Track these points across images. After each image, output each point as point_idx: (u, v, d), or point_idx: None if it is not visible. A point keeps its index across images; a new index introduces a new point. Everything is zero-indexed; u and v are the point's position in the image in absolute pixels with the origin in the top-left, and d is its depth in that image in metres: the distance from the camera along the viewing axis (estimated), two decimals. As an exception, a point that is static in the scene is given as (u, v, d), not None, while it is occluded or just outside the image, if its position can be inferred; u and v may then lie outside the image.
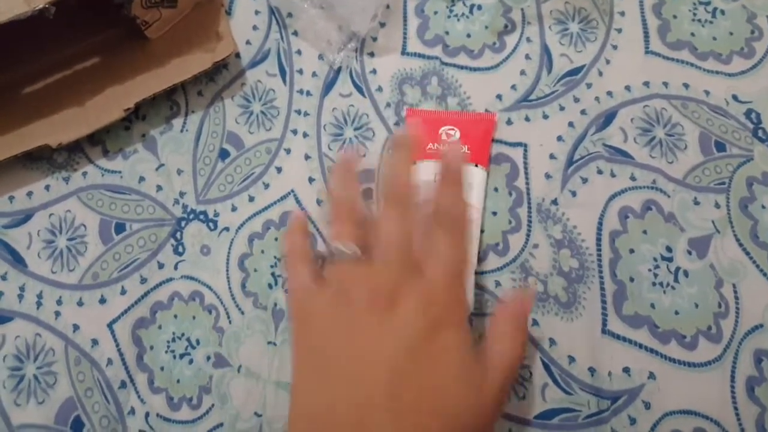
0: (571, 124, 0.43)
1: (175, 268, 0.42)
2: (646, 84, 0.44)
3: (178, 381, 0.40)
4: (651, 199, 0.42)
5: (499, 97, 0.44)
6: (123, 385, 0.40)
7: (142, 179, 0.44)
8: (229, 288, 0.42)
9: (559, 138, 0.43)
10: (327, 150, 0.44)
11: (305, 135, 0.45)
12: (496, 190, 0.42)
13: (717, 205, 0.41)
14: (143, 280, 0.42)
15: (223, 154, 0.44)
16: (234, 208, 0.43)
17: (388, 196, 0.36)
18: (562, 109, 0.44)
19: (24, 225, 0.43)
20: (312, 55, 0.46)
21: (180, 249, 0.43)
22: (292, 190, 0.43)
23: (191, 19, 0.45)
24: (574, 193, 0.42)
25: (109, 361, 0.41)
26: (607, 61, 0.44)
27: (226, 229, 0.43)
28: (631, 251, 0.41)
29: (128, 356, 0.41)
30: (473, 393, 0.32)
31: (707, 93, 0.43)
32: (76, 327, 0.41)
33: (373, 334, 0.32)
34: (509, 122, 0.44)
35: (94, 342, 0.41)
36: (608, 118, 0.43)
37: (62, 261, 0.42)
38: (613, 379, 0.38)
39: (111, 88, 0.44)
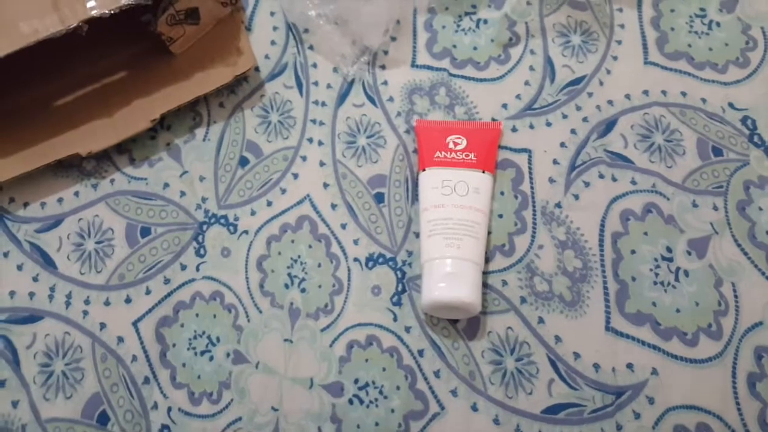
0: (573, 131, 0.45)
1: (197, 269, 0.44)
2: (646, 92, 0.46)
3: (199, 377, 0.42)
4: (651, 202, 0.43)
5: (504, 106, 0.46)
6: (146, 380, 0.42)
7: (166, 185, 0.46)
8: (248, 288, 0.43)
9: (562, 144, 0.45)
10: (341, 157, 0.46)
11: (320, 143, 0.47)
12: (502, 193, 0.44)
13: (715, 208, 0.43)
14: (167, 281, 0.44)
15: (243, 162, 0.46)
16: (253, 213, 0.45)
17: None
18: (564, 117, 0.46)
19: (55, 229, 0.45)
20: (327, 68, 0.48)
21: (201, 251, 0.45)
22: (308, 195, 0.45)
23: (213, 35, 0.47)
24: (576, 197, 0.44)
25: (134, 358, 0.42)
26: (608, 71, 0.46)
27: (246, 232, 0.45)
28: (633, 252, 0.42)
29: (152, 353, 0.42)
30: None
31: (704, 101, 0.45)
32: (102, 325, 0.43)
33: None
34: (514, 129, 0.46)
35: (120, 339, 0.43)
36: (609, 125, 0.45)
37: (90, 263, 0.44)
38: (617, 375, 0.40)
39: (138, 100, 0.46)
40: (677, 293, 0.41)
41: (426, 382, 0.40)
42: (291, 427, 0.40)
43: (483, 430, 0.39)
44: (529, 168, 0.45)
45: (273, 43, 0.49)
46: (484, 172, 0.43)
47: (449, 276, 0.40)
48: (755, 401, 0.39)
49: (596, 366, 0.40)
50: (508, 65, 0.47)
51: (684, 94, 0.45)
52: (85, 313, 0.43)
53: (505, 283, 0.42)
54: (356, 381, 0.41)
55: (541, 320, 0.41)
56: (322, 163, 0.46)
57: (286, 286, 0.43)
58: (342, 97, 0.48)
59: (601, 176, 0.44)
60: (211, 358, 0.42)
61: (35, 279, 0.44)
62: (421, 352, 0.41)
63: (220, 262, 0.44)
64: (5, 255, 0.44)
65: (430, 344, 0.41)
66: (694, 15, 0.47)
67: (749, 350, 0.40)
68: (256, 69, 0.48)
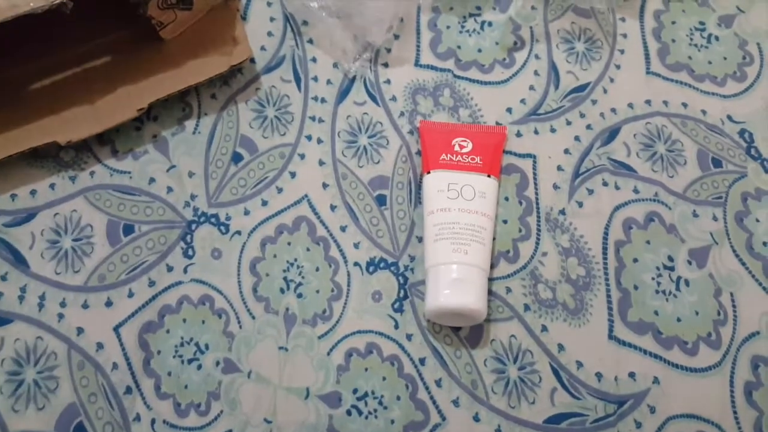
0: (577, 138, 0.45)
1: (185, 271, 0.41)
2: (648, 102, 0.46)
3: (186, 387, 0.39)
4: (653, 211, 0.44)
5: (509, 110, 0.46)
6: (128, 390, 0.39)
7: (152, 180, 0.43)
8: (240, 292, 0.41)
9: (566, 151, 0.45)
10: (341, 156, 0.44)
11: (319, 141, 0.45)
12: (506, 199, 0.44)
13: (715, 218, 0.43)
14: (151, 283, 0.41)
15: (236, 158, 0.44)
16: (246, 212, 0.43)
17: None
18: (568, 123, 0.46)
19: (27, 224, 0.42)
20: (327, 63, 0.47)
21: (190, 252, 0.42)
22: (306, 195, 0.43)
23: (206, 22, 0.45)
24: (580, 204, 0.44)
25: (115, 366, 0.39)
26: (611, 80, 0.47)
27: (238, 232, 0.42)
28: (635, 260, 0.42)
29: (134, 361, 0.39)
30: None
31: (704, 112, 0.46)
32: (80, 330, 0.40)
33: None
34: (519, 134, 0.45)
35: (99, 346, 0.40)
36: (612, 133, 0.45)
37: (67, 262, 0.41)
38: (619, 384, 0.40)
39: (123, 87, 0.43)
40: (678, 302, 0.41)
41: (427, 392, 0.39)
42: (287, 439, 0.38)
43: (487, 441, 0.39)
44: (534, 174, 0.44)
45: (270, 34, 0.47)
46: (489, 176, 0.42)
47: (456, 282, 0.39)
48: (752, 410, 0.39)
49: (599, 375, 0.40)
50: (513, 69, 0.47)
51: (685, 105, 0.46)
52: (61, 316, 0.40)
53: (509, 290, 0.41)
54: (355, 391, 0.39)
55: (544, 328, 0.41)
56: (321, 162, 0.44)
57: (282, 290, 0.41)
58: (343, 94, 0.46)
59: (605, 184, 0.44)
60: (200, 367, 0.39)
61: (4, 278, 0.40)
62: (422, 361, 0.40)
63: (210, 264, 0.42)
64: (-30, 251, 0.41)
65: (432, 352, 0.40)
66: (694, 28, 0.48)
67: (746, 359, 0.40)
68: (252, 60, 0.46)
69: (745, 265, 0.42)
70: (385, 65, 0.47)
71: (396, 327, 0.41)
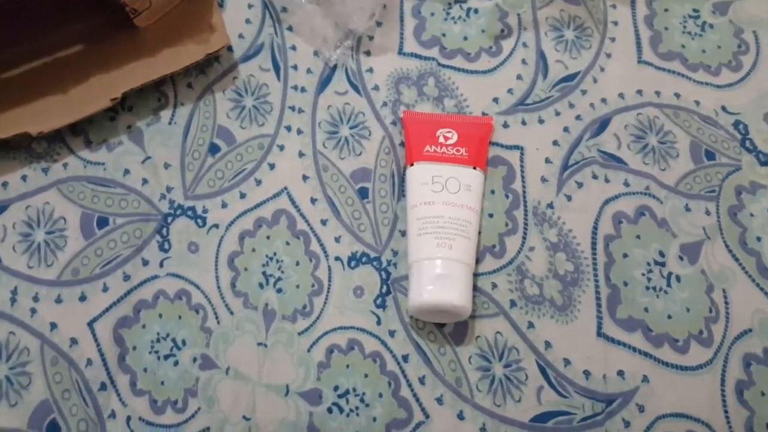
0: (566, 129, 0.44)
1: (161, 265, 0.40)
2: (639, 92, 0.45)
3: (162, 383, 0.38)
4: (644, 204, 0.42)
5: (495, 100, 0.45)
6: (103, 387, 0.38)
7: (127, 172, 0.42)
8: (218, 287, 0.40)
9: (555, 142, 0.44)
10: (322, 148, 0.43)
11: (299, 132, 0.44)
12: (492, 192, 0.43)
13: (707, 212, 0.42)
14: (126, 278, 0.40)
15: (213, 149, 0.43)
16: (224, 205, 0.42)
17: None
18: (557, 114, 0.44)
19: (-2, 217, 0.41)
20: (307, 52, 0.46)
21: (166, 246, 0.41)
22: (286, 188, 0.42)
23: (182, 9, 0.44)
24: (569, 197, 0.42)
25: (89, 362, 0.38)
26: (602, 69, 0.45)
27: (216, 226, 0.41)
28: (625, 256, 0.41)
29: (109, 357, 0.38)
30: None
31: (697, 103, 0.45)
32: (53, 325, 0.39)
33: None
34: (506, 125, 0.44)
35: (73, 341, 0.39)
36: (602, 124, 0.44)
37: (40, 255, 0.40)
38: (607, 382, 0.39)
39: (97, 76, 0.42)
40: (669, 299, 0.40)
41: (410, 389, 0.38)
42: (265, 438, 0.37)
43: (470, 440, 0.38)
44: (521, 166, 0.43)
45: (248, 21, 0.46)
46: (475, 168, 0.41)
47: (440, 278, 0.38)
48: (743, 409, 0.38)
49: (587, 373, 0.39)
50: (500, 58, 0.46)
51: (677, 95, 0.45)
52: (33, 311, 0.39)
53: (494, 285, 0.40)
54: (336, 388, 0.38)
55: (531, 325, 0.40)
56: (301, 154, 0.43)
57: (261, 285, 0.40)
58: (323, 84, 0.45)
59: (595, 177, 0.43)
60: (176, 363, 0.38)
61: (-26, 271, 0.40)
62: (405, 358, 0.39)
63: (187, 258, 0.41)
64: (-61, 245, 0.40)
65: (415, 349, 0.39)
66: (688, 16, 0.47)
67: (738, 358, 0.39)
68: (229, 49, 0.45)
69: (738, 260, 0.41)
70: (368, 53, 0.46)
71: (378, 323, 0.40)
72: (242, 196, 0.42)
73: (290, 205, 0.42)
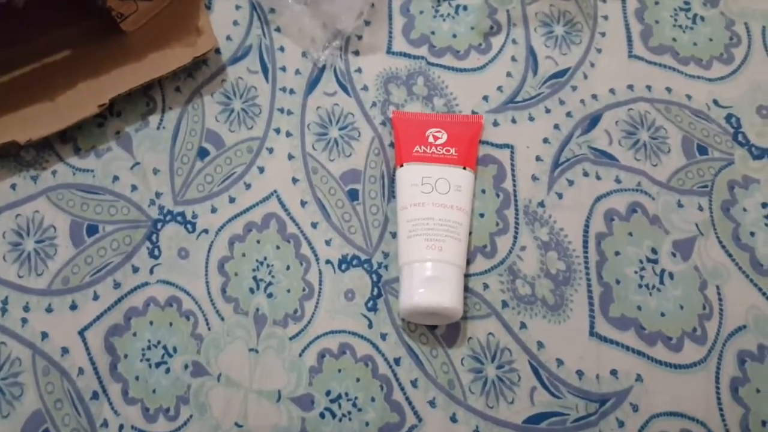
0: (556, 127, 0.44)
1: (151, 272, 0.40)
2: (630, 87, 0.45)
3: (154, 391, 0.38)
4: (636, 201, 0.42)
5: (485, 98, 0.45)
6: (95, 396, 0.38)
7: (116, 179, 0.42)
8: (209, 293, 0.40)
9: (545, 140, 0.43)
10: (311, 150, 0.43)
11: (288, 134, 0.44)
12: (483, 191, 0.42)
13: (700, 208, 0.42)
14: (117, 285, 0.40)
15: (202, 153, 0.43)
16: (214, 210, 0.42)
17: None
18: (547, 111, 0.44)
19: (-13, 226, 0.41)
20: (295, 53, 0.45)
21: (156, 252, 0.41)
22: (275, 191, 0.42)
23: (169, 12, 0.43)
24: (560, 195, 0.42)
25: (81, 371, 0.38)
26: (592, 64, 0.45)
27: (205, 231, 0.41)
28: (617, 253, 0.41)
29: (101, 365, 0.39)
30: None
31: (689, 97, 0.44)
32: (44, 335, 0.39)
33: None
34: (496, 124, 0.44)
35: (65, 350, 0.39)
36: (593, 120, 0.44)
37: (30, 265, 0.40)
38: (601, 382, 0.39)
39: (84, 82, 0.42)
40: (662, 296, 0.40)
41: (403, 393, 0.38)
42: (258, 444, 0.37)
43: (463, 442, 0.38)
44: (512, 164, 0.43)
45: (235, 23, 0.46)
46: (465, 168, 0.41)
47: (430, 280, 0.38)
48: (738, 407, 0.38)
49: (579, 373, 0.39)
50: (489, 55, 0.45)
51: (669, 89, 0.44)
52: (24, 321, 0.39)
53: (486, 286, 0.40)
54: (328, 393, 0.38)
55: (523, 325, 0.40)
56: (290, 156, 0.43)
57: (251, 290, 0.40)
58: (312, 85, 0.45)
59: (586, 174, 0.42)
60: (168, 371, 0.39)
61: (-36, 282, 0.40)
62: (397, 361, 0.39)
63: (177, 264, 0.41)
64: (-71, 255, 0.40)
65: (408, 352, 0.39)
66: (679, 8, 0.47)
67: (732, 355, 0.39)
68: (217, 51, 0.45)
69: (731, 256, 0.41)
70: (356, 53, 0.46)
71: (370, 326, 0.40)
72: (232, 200, 0.42)
73: (280, 209, 0.42)
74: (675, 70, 0.45)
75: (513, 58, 0.45)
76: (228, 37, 0.46)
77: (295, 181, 0.43)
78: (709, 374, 0.39)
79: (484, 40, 0.46)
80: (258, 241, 0.41)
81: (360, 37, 0.46)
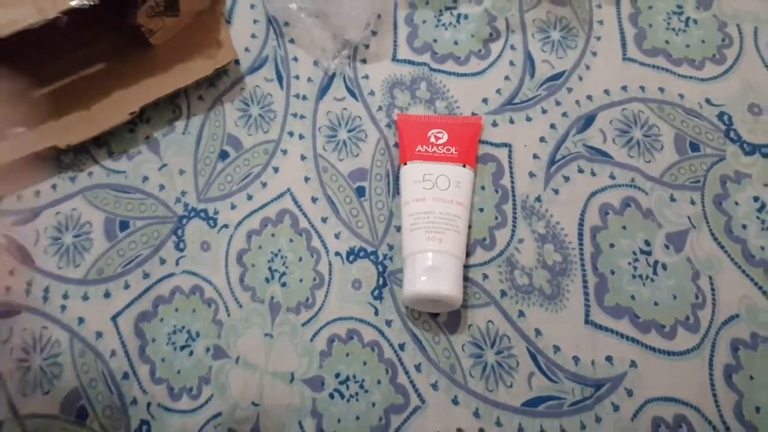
0: (553, 126, 0.46)
1: (177, 263, 0.44)
2: (624, 88, 0.46)
3: (178, 372, 0.41)
4: (630, 196, 0.44)
5: (485, 101, 0.47)
6: (126, 376, 0.41)
7: (145, 179, 0.46)
8: (228, 282, 0.43)
9: (542, 139, 0.45)
10: (322, 151, 0.46)
11: (301, 137, 0.46)
12: (483, 188, 0.44)
13: (692, 202, 0.43)
14: (146, 275, 0.43)
15: (223, 155, 0.46)
16: (233, 206, 0.45)
17: None
18: (544, 112, 0.46)
19: (31, 223, 0.45)
20: (307, 62, 0.48)
21: (181, 245, 0.44)
22: (289, 189, 0.45)
23: (193, 27, 0.47)
24: (556, 191, 0.44)
25: (113, 353, 0.42)
26: (587, 67, 0.47)
27: (226, 226, 0.44)
28: (612, 246, 0.43)
29: (131, 348, 0.42)
30: None
31: (682, 96, 0.46)
32: (81, 320, 0.42)
33: None
34: (495, 124, 0.46)
35: (99, 335, 0.42)
36: (588, 120, 0.46)
37: (68, 257, 0.44)
38: (596, 368, 0.40)
39: (117, 92, 0.45)
40: (655, 286, 0.41)
41: (407, 376, 0.40)
42: (271, 422, 0.40)
43: (463, 423, 0.39)
44: (510, 162, 0.45)
45: (253, 36, 0.49)
46: (464, 166, 0.43)
47: (431, 270, 0.40)
48: (731, 392, 0.39)
49: (576, 359, 0.40)
50: (489, 60, 0.47)
51: (662, 90, 0.46)
52: (63, 307, 0.43)
53: (485, 276, 0.42)
54: (337, 375, 0.40)
55: (521, 314, 0.41)
56: (303, 157, 0.46)
57: (267, 280, 0.43)
58: (323, 91, 0.47)
59: (581, 171, 0.44)
60: (191, 353, 0.42)
61: (12, 273, 0.43)
62: (402, 346, 0.41)
63: (200, 256, 0.44)
64: (-20, 249, 0.44)
65: (411, 338, 0.41)
66: (672, 12, 0.48)
67: (726, 342, 0.40)
68: (236, 62, 0.48)
69: (723, 248, 0.42)
70: (363, 61, 0.48)
71: (376, 314, 0.42)
72: (249, 197, 0.45)
73: (293, 205, 0.45)
74: (668, 71, 0.46)
75: (511, 63, 0.47)
76: (246, 49, 0.49)
77: (306, 179, 0.45)
78: (703, 361, 0.40)
79: (483, 46, 0.48)
80: (273, 235, 0.44)
81: (367, 47, 0.49)
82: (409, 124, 0.45)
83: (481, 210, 0.44)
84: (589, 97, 0.46)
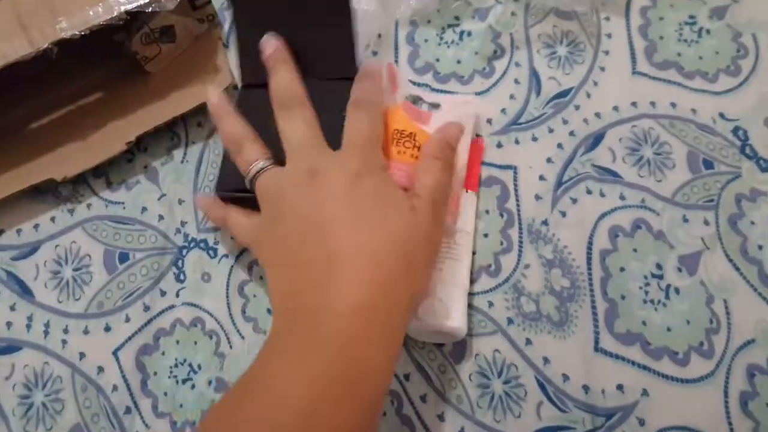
0: (560, 146, 0.44)
1: (177, 295, 0.43)
2: (634, 104, 0.44)
3: (181, 406, 0.41)
4: (640, 217, 0.42)
5: (489, 121, 0.45)
6: (128, 410, 0.41)
7: (144, 209, 0.45)
8: (230, 314, 0.43)
9: (549, 160, 0.44)
10: (322, 176, 0.45)
11: (301, 162, 0.46)
12: (487, 212, 0.43)
13: (706, 222, 0.42)
14: (146, 308, 0.43)
15: (222, 183, 0.46)
16: (233, 236, 0.44)
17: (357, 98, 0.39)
18: (551, 131, 0.44)
19: (31, 257, 0.45)
20: (307, 85, 0.47)
21: (181, 277, 0.44)
22: (289, 217, 0.44)
23: (190, 52, 0.46)
24: (564, 214, 0.43)
25: (115, 388, 0.42)
26: (595, 83, 0.45)
27: (226, 256, 0.44)
28: (622, 269, 0.41)
29: (133, 382, 0.42)
30: (405, 213, 0.35)
31: (694, 111, 0.44)
32: (82, 355, 0.42)
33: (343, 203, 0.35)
34: (499, 145, 0.45)
35: (100, 369, 0.42)
36: (597, 138, 0.44)
37: (68, 291, 0.44)
38: (607, 397, 0.39)
39: (113, 122, 0.45)
40: (668, 311, 0.40)
41: (412, 407, 0.40)
42: (275, 456, 0.39)
43: (470, 456, 0.39)
44: (515, 185, 0.43)
45: (251, 59, 0.48)
46: (467, 190, 0.42)
47: (432, 301, 0.38)
48: (748, 420, 0.38)
49: (585, 387, 0.39)
50: (493, 78, 0.46)
51: (674, 105, 0.44)
52: (64, 342, 0.42)
53: (491, 304, 0.41)
54: (341, 407, 0.40)
55: (528, 341, 0.40)
56: (303, 184, 0.45)
57: (269, 311, 0.42)
58: (323, 115, 0.47)
59: (589, 192, 0.43)
60: (193, 386, 0.41)
61: (12, 308, 0.43)
62: (407, 377, 0.40)
63: (201, 287, 0.43)
64: (-19, 284, 0.44)
65: (416, 368, 0.40)
66: (684, 23, 0.46)
67: (741, 369, 0.39)
68: (235, 87, 0.47)
69: (739, 270, 0.40)
70: (363, 83, 0.47)
71: (380, 344, 0.41)
72: (250, 226, 0.45)
73: (294, 234, 0.44)
74: (680, 85, 0.44)
75: (516, 81, 0.46)
76: (244, 73, 0.48)
77: (307, 206, 0.45)
78: (717, 388, 0.38)
79: (487, 64, 0.47)
80: (274, 265, 0.44)
81: (367, 67, 0.48)
82: (410, 147, 0.44)
83: (486, 235, 0.43)
84: (598, 115, 0.44)
